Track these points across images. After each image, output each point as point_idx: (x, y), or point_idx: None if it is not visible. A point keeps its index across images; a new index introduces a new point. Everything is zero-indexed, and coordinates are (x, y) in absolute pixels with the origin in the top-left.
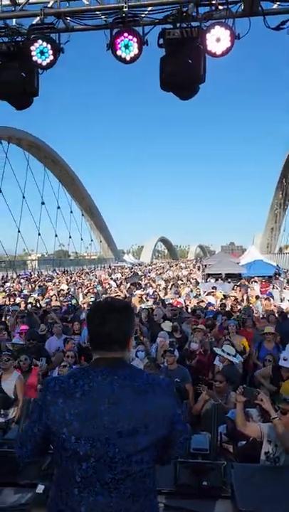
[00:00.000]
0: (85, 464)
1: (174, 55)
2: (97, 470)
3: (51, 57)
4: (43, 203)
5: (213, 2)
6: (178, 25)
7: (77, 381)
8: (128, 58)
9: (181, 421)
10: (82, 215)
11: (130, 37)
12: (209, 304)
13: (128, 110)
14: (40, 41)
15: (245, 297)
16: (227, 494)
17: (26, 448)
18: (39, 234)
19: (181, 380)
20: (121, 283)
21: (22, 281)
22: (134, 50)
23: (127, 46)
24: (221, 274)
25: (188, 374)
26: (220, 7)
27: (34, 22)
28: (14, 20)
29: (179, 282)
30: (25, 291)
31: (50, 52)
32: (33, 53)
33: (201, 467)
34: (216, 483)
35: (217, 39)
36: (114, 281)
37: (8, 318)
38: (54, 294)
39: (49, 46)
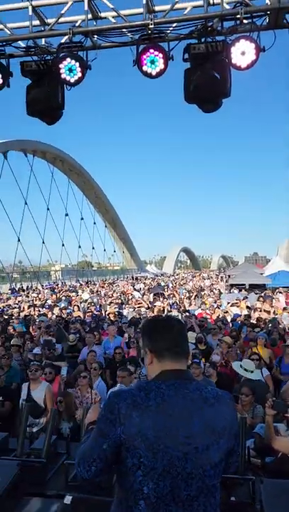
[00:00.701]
0: (162, 483)
1: (199, 68)
2: (174, 487)
3: (79, 74)
4: (66, 215)
5: (238, 16)
6: (203, 39)
7: (149, 394)
8: (154, 73)
9: (238, 436)
10: (106, 226)
11: (156, 53)
12: (237, 315)
13: (150, 120)
14: (68, 59)
15: (272, 309)
16: (256, 511)
17: (96, 466)
18: (63, 245)
19: None
20: (144, 293)
21: (46, 291)
22: (160, 65)
23: (152, 62)
24: (244, 284)
25: (214, 386)
26: (245, 21)
27: (63, 41)
28: (43, 39)
29: (203, 293)
30: (49, 302)
31: (78, 69)
32: (61, 71)
33: (229, 482)
34: (245, 499)
35: (242, 52)
36: (138, 291)
37: (33, 328)
38: (76, 305)
39: (77, 64)
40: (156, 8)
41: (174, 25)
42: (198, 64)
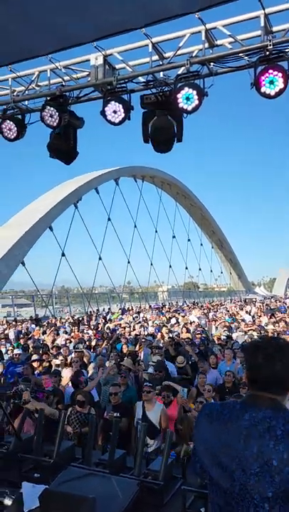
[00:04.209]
0: (229, 497)
1: None
2: (228, 503)
3: (196, 102)
4: (174, 237)
5: None
6: None
7: (224, 410)
8: (273, 94)
9: None
10: (212, 247)
11: (275, 72)
12: None
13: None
14: (186, 88)
15: None
16: None
17: (197, 463)
18: (170, 266)
19: None
20: (253, 316)
21: (154, 312)
22: (280, 84)
23: (272, 82)
24: None
25: None
26: None
27: (180, 72)
28: (161, 72)
29: None
30: (156, 322)
31: (196, 97)
32: (179, 100)
33: None
34: None
35: None
36: (248, 313)
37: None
38: (184, 326)
39: (194, 92)
40: (274, 29)
41: None
42: None
